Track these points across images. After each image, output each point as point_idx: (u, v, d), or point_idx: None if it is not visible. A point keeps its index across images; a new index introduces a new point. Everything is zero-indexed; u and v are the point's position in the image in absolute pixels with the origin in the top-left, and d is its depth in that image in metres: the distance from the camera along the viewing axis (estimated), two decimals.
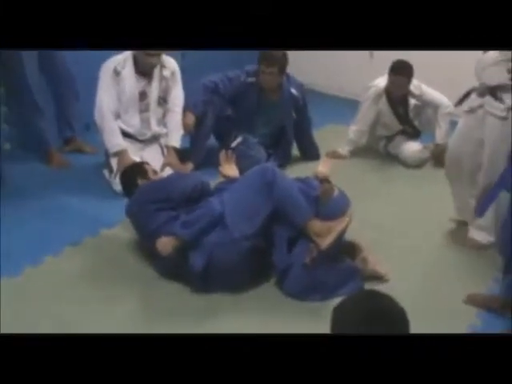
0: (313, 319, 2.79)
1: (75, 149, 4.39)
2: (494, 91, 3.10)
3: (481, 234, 3.46)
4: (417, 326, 2.68)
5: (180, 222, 2.90)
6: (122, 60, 3.79)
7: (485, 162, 3.26)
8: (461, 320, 2.86)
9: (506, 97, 3.05)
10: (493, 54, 3.06)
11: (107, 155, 3.87)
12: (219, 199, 2.96)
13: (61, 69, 4.14)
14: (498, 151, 3.15)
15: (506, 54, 2.97)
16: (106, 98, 3.79)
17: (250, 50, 2.92)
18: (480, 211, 3.23)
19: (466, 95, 3.33)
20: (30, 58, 3.91)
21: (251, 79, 4.21)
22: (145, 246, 3.13)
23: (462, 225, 3.63)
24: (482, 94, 3.17)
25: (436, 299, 3.03)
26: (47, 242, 3.27)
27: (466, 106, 3.36)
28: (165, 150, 4.00)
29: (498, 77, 3.06)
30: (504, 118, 3.08)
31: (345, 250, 3.12)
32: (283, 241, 2.96)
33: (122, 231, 3.37)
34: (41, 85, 4.10)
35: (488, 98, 3.13)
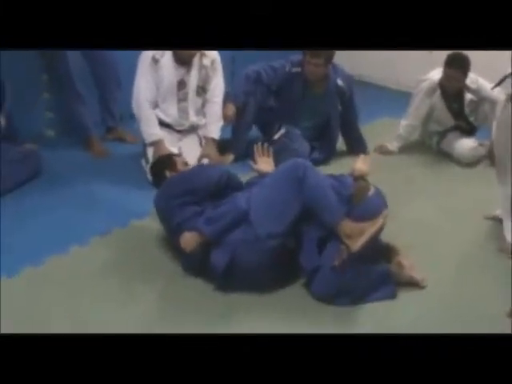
0: (339, 324, 2.66)
1: (117, 137, 4.36)
2: None
3: None
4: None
5: (204, 217, 2.78)
6: None
7: None
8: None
9: None
10: None
11: (144, 145, 3.79)
12: (246, 195, 2.83)
13: (103, 57, 4.10)
14: None
15: None
16: (143, 87, 3.71)
17: None
18: None
19: (502, 80, 3.14)
20: None
21: (296, 69, 4.07)
22: (172, 238, 3.03)
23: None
24: None
25: (474, 312, 2.81)
26: (75, 231, 3.22)
27: (504, 93, 3.16)
28: (203, 141, 3.89)
29: None
30: None
31: (379, 252, 2.95)
32: (312, 241, 2.80)
33: (152, 222, 3.27)
34: (84, 73, 4.07)
35: None
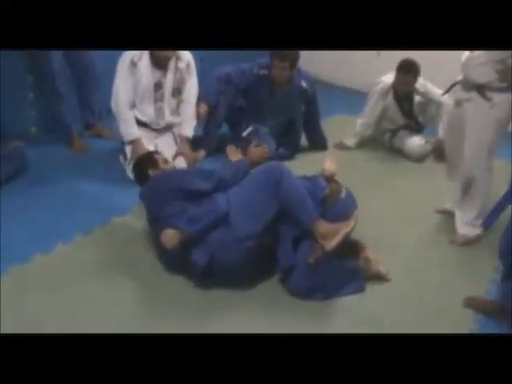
0: (314, 318, 2.46)
1: (96, 134, 4.03)
2: (480, 89, 2.82)
3: (468, 228, 3.11)
4: (414, 328, 2.37)
5: (186, 217, 2.52)
6: (139, 52, 3.40)
7: (466, 155, 2.97)
8: (458, 324, 2.51)
9: (492, 95, 2.80)
10: (482, 53, 2.77)
11: (123, 142, 3.50)
12: (226, 197, 2.58)
13: (83, 57, 3.77)
14: (479, 144, 2.90)
15: (495, 54, 2.71)
16: (122, 88, 3.41)
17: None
18: (487, 224, 2.96)
19: (451, 87, 3.06)
20: None
21: (263, 72, 3.82)
22: (153, 235, 2.76)
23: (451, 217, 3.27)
24: (468, 89, 2.88)
25: (435, 301, 2.66)
26: (59, 228, 2.91)
27: (452, 98, 3.11)
28: (178, 139, 3.62)
29: (487, 76, 2.78)
30: (488, 114, 2.82)
31: (347, 248, 2.73)
32: (288, 239, 2.58)
33: (133, 220, 3.01)
34: (65, 72, 3.73)
35: (474, 94, 2.85)
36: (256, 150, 3.12)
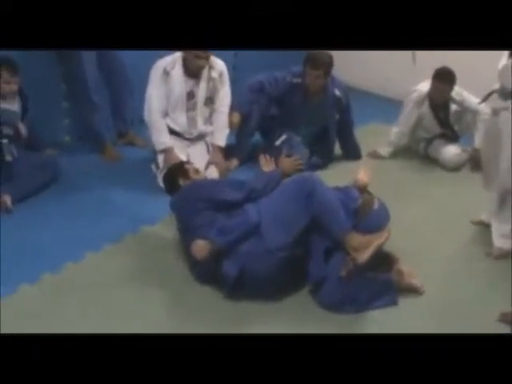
0: (345, 332, 2.41)
1: (128, 142, 4.06)
2: None
3: (504, 240, 3.03)
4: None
5: (216, 228, 2.51)
6: (172, 61, 3.42)
7: (503, 166, 2.89)
8: None
9: None
10: None
11: (155, 151, 3.52)
12: (256, 208, 2.56)
13: (117, 66, 3.81)
14: None
15: None
16: (155, 97, 3.43)
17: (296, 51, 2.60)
18: None
19: (488, 95, 2.99)
20: (88, 56, 3.58)
21: (296, 80, 3.79)
22: (183, 245, 2.76)
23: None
24: (505, 97, 2.81)
25: (469, 315, 2.60)
26: (89, 237, 2.93)
27: (489, 107, 3.05)
28: (210, 148, 3.62)
29: None
30: None
31: (380, 260, 2.68)
32: (320, 251, 2.55)
33: (163, 229, 3.02)
34: (98, 81, 3.77)
35: (511, 102, 2.77)
36: (287, 161, 3.10)
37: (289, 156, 3.28)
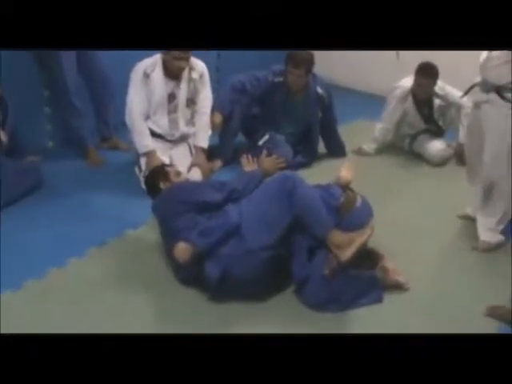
0: (331, 331, 2.40)
1: (112, 146, 4.05)
2: (499, 90, 2.74)
3: (489, 234, 3.04)
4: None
5: (197, 230, 2.49)
6: (152, 63, 3.40)
7: (486, 159, 2.89)
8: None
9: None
10: (500, 54, 2.69)
11: (138, 154, 3.50)
12: (237, 209, 2.55)
13: (97, 70, 3.80)
14: (500, 148, 2.81)
15: None
16: (135, 100, 3.41)
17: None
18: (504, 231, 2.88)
19: (470, 89, 3.00)
20: (68, 62, 3.57)
21: (278, 79, 3.80)
22: (165, 249, 2.74)
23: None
24: (487, 90, 2.81)
25: (455, 310, 2.59)
26: (72, 242, 2.91)
27: (472, 101, 3.04)
28: (193, 150, 3.60)
29: (505, 77, 2.70)
30: (507, 116, 2.73)
31: (364, 258, 2.67)
32: (303, 250, 2.53)
33: (147, 232, 3.00)
34: (79, 86, 3.75)
35: (493, 95, 2.77)
36: (268, 160, 3.09)
37: (270, 155, 3.27)
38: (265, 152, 3.13)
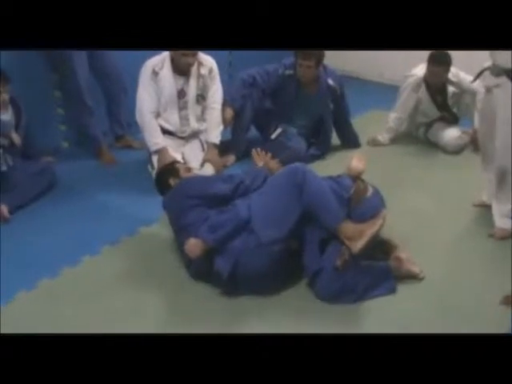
0: (344, 323, 2.39)
1: (125, 145, 4.07)
2: (509, 73, 2.69)
3: (506, 220, 2.99)
4: (449, 328, 2.27)
5: (206, 225, 2.49)
6: (160, 61, 3.40)
7: (499, 145, 2.84)
8: (496, 322, 2.40)
9: None
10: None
11: (149, 152, 3.50)
12: (247, 202, 2.54)
13: (109, 68, 3.82)
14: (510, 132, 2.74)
15: None
16: (145, 98, 3.42)
17: None
18: None
19: (480, 73, 2.96)
20: (80, 61, 3.59)
21: (289, 72, 3.78)
22: (177, 244, 2.75)
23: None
24: (497, 75, 2.76)
25: (471, 298, 2.56)
26: (87, 241, 2.93)
27: (483, 85, 3.00)
28: (205, 146, 3.60)
29: None
30: None
31: (378, 248, 2.66)
32: (314, 242, 2.52)
33: (159, 230, 3.01)
34: (92, 85, 3.77)
35: (503, 79, 2.72)
36: (272, 162, 2.98)
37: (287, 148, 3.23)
38: (269, 155, 3.04)
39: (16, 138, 3.34)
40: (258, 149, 3.03)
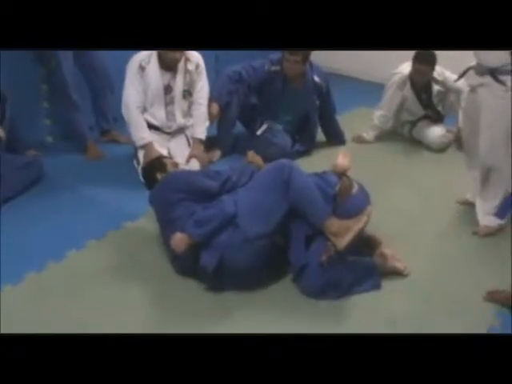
0: (329, 318, 2.41)
1: (111, 139, 4.05)
2: (494, 72, 2.73)
3: (490, 218, 3.03)
4: (432, 324, 2.29)
5: (193, 220, 2.49)
6: (147, 56, 3.39)
7: (483, 143, 2.88)
8: (480, 319, 2.44)
9: (506, 79, 2.70)
10: None
11: (135, 147, 3.50)
12: (233, 198, 2.55)
13: (95, 63, 3.80)
14: (495, 131, 2.80)
15: None
16: (132, 93, 3.41)
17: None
18: (501, 215, 2.86)
19: (465, 72, 3.00)
20: (65, 56, 3.57)
21: (275, 68, 3.79)
22: (163, 239, 2.75)
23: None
24: (481, 74, 2.80)
25: (455, 295, 2.59)
26: (72, 235, 2.92)
27: (467, 84, 3.04)
28: (191, 141, 3.60)
29: (500, 59, 2.68)
30: (503, 99, 2.72)
31: (362, 244, 2.68)
32: (300, 238, 2.53)
33: (145, 224, 3.00)
34: (78, 80, 3.76)
35: (487, 78, 2.76)
36: (257, 158, 3.01)
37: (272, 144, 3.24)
38: (251, 152, 3.05)
39: (1, 132, 3.31)
40: (251, 149, 3.05)
